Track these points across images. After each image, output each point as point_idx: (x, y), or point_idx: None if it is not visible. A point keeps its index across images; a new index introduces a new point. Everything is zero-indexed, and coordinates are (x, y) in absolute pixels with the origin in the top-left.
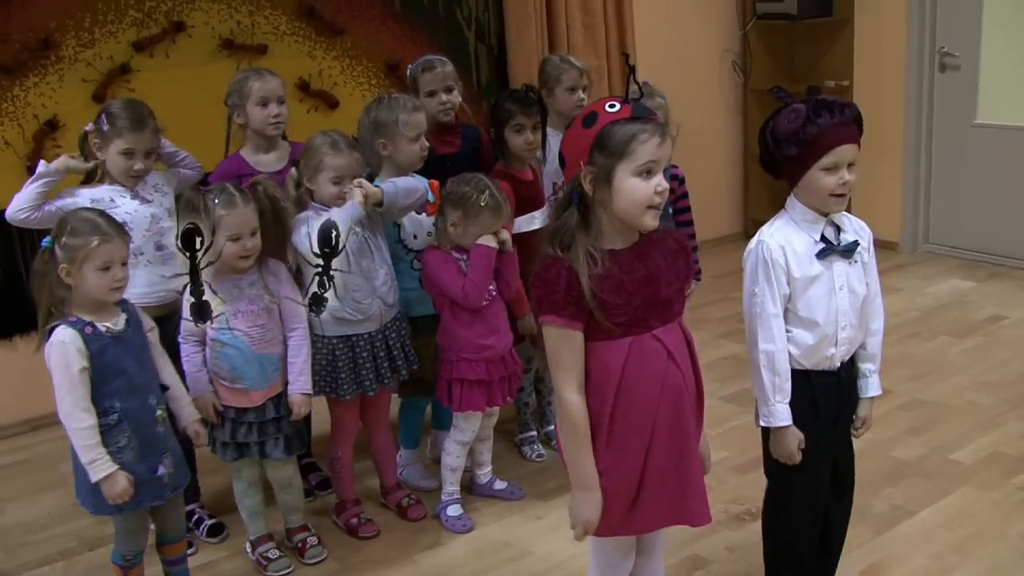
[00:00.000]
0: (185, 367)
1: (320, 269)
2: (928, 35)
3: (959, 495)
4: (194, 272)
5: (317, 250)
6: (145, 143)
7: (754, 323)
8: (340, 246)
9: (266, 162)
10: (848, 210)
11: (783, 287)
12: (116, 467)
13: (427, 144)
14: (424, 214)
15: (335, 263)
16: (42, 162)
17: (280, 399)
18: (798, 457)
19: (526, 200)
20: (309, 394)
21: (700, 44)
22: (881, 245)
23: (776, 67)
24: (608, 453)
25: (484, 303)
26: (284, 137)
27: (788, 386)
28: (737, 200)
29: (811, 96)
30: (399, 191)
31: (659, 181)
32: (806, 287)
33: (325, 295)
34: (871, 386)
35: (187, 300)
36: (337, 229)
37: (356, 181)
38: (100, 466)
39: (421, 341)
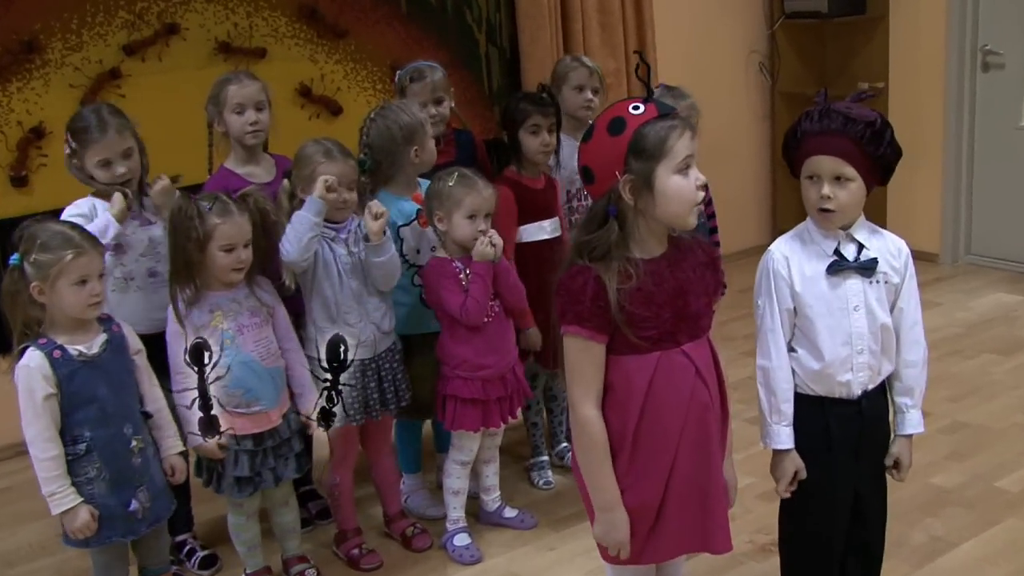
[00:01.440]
0: (183, 409)
1: (328, 383)
2: (970, 32)
3: (1005, 527)
4: (203, 387)
5: (325, 364)
6: (117, 146)
7: (756, 337)
8: (349, 361)
9: (257, 173)
10: (883, 220)
11: (785, 301)
12: (78, 500)
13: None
14: (421, 227)
15: (343, 377)
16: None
17: (289, 416)
18: (785, 488)
19: (536, 209)
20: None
21: (724, 45)
22: (919, 257)
23: (806, 69)
24: (629, 474)
25: (486, 320)
26: (265, 148)
27: (787, 408)
28: (764, 210)
29: (818, 99)
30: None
31: (697, 174)
32: (812, 304)
33: (333, 409)
34: (907, 422)
35: (195, 414)
36: (345, 344)
37: (321, 178)
38: (60, 499)
39: (416, 360)
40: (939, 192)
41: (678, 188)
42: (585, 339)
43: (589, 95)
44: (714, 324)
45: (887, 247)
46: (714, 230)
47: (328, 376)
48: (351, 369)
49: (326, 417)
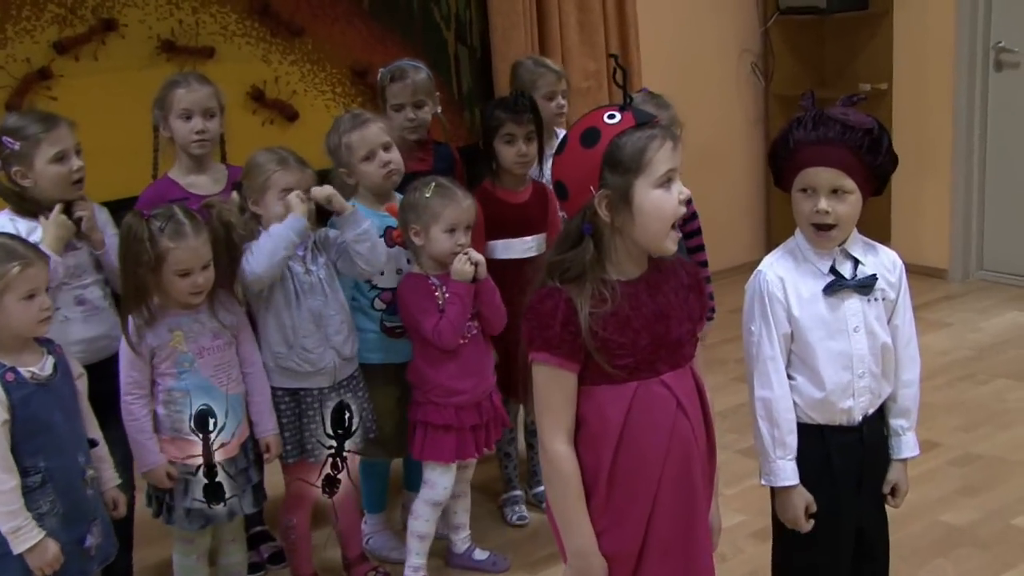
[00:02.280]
0: (134, 434)
1: (333, 451)
2: (982, 28)
3: (1023, 571)
4: (207, 453)
5: (330, 431)
6: (69, 139)
7: (750, 367)
8: (354, 428)
9: (200, 184)
10: (887, 234)
11: (783, 325)
12: (43, 534)
13: (388, 158)
14: (393, 246)
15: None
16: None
17: (247, 444)
18: (804, 523)
19: (511, 224)
20: (278, 433)
21: (714, 44)
22: (927, 273)
23: (802, 69)
24: (604, 517)
25: (462, 342)
26: (223, 159)
27: (791, 440)
28: (758, 223)
29: (805, 102)
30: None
31: (680, 188)
32: (811, 328)
33: (338, 476)
34: (904, 446)
35: (199, 481)
36: (351, 410)
37: (294, 193)
38: (25, 534)
39: (377, 392)
40: (948, 202)
41: (659, 203)
42: (554, 367)
43: (561, 101)
44: (700, 348)
45: (882, 262)
46: (699, 248)
47: (333, 443)
48: (309, 400)
49: (330, 484)
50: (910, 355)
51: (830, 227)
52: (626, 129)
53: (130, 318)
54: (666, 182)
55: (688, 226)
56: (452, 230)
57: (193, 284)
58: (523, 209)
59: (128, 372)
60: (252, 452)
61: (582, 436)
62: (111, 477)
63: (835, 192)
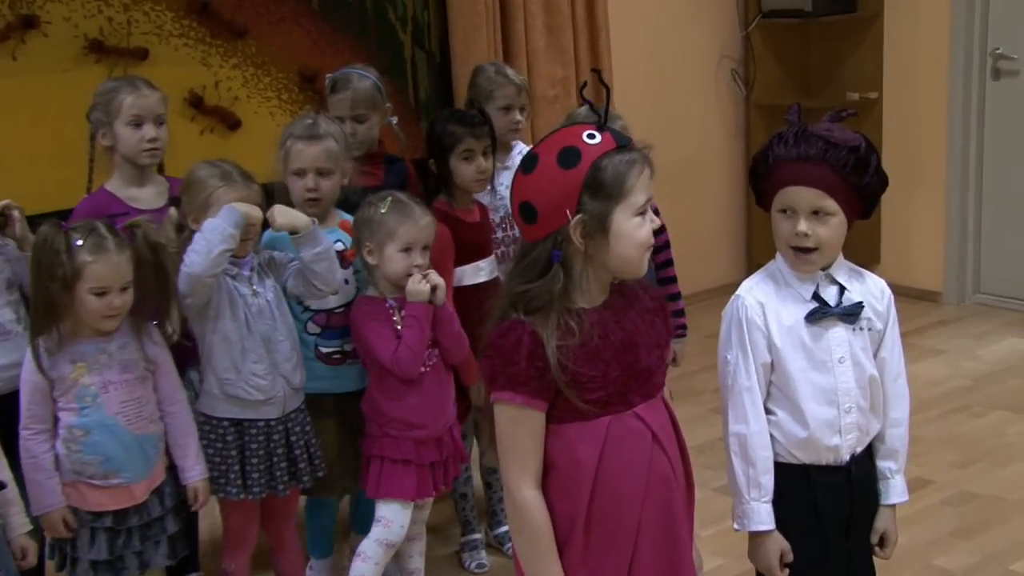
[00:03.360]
0: (30, 472)
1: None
2: (978, 33)
3: None
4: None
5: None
6: None
7: (724, 398)
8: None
9: (143, 198)
10: (876, 255)
11: (762, 354)
12: None
13: (314, 185)
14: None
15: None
16: None
17: (163, 490)
18: (778, 572)
19: (471, 247)
20: (207, 479)
21: (691, 49)
22: (919, 296)
23: (786, 77)
24: (582, 567)
25: (422, 370)
26: (161, 169)
27: (767, 480)
28: (738, 242)
29: (791, 116)
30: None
31: (652, 217)
32: (793, 358)
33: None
34: (892, 490)
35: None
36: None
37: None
38: None
39: (321, 425)
40: (942, 220)
41: (635, 232)
42: (520, 407)
43: (518, 115)
44: (669, 378)
45: (869, 290)
46: (668, 263)
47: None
48: (254, 432)
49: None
50: (898, 391)
51: (810, 250)
52: (608, 151)
53: (39, 341)
54: (643, 213)
55: (661, 254)
56: (408, 249)
57: (108, 305)
58: (479, 229)
59: (28, 404)
60: (171, 498)
61: (553, 481)
62: (20, 523)
63: (816, 213)
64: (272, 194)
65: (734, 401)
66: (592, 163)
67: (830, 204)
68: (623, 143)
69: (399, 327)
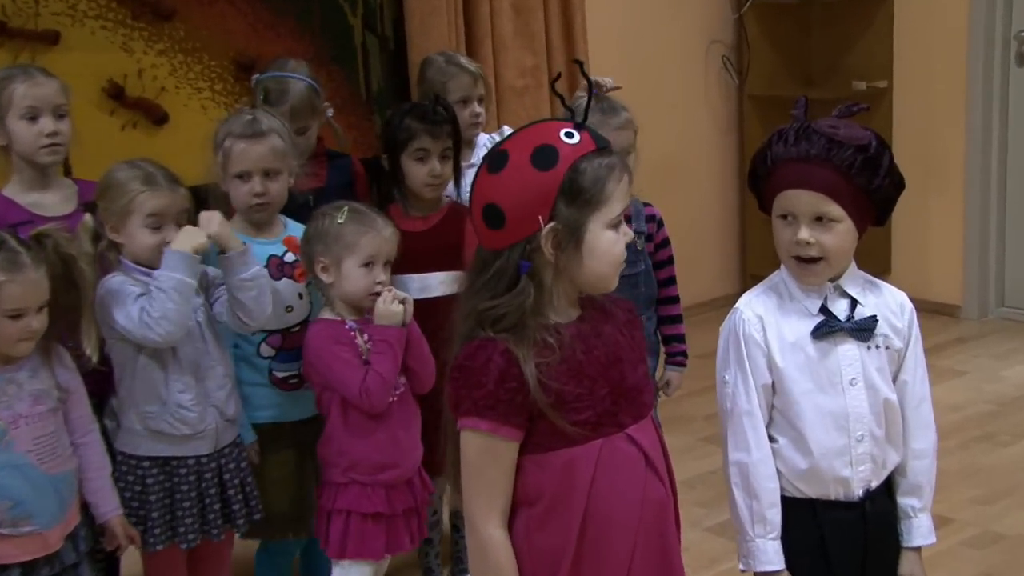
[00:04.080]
0: None
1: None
2: (1000, 14)
3: None
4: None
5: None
6: None
7: (723, 422)
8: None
9: (47, 204)
10: (887, 264)
11: (762, 375)
12: None
13: (263, 190)
14: (280, 278)
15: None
16: None
17: (78, 533)
18: None
19: (426, 256)
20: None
21: (677, 34)
22: (936, 311)
23: (784, 65)
24: None
25: (390, 400)
26: (68, 171)
27: (773, 515)
28: (732, 250)
29: (797, 111)
30: None
31: (626, 229)
32: (797, 379)
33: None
34: (916, 531)
35: None
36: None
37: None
38: None
39: (269, 458)
40: (960, 226)
41: (611, 245)
42: (488, 435)
43: (476, 108)
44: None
45: (887, 303)
46: (674, 300)
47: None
48: (184, 472)
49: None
50: (923, 419)
51: (814, 260)
52: (587, 153)
53: None
54: (617, 224)
55: (660, 253)
56: (369, 264)
57: (25, 328)
58: (435, 237)
59: None
60: (86, 542)
61: (536, 516)
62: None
63: (819, 220)
64: (204, 199)
65: (734, 426)
66: (571, 165)
67: (834, 209)
68: (602, 145)
69: (363, 353)
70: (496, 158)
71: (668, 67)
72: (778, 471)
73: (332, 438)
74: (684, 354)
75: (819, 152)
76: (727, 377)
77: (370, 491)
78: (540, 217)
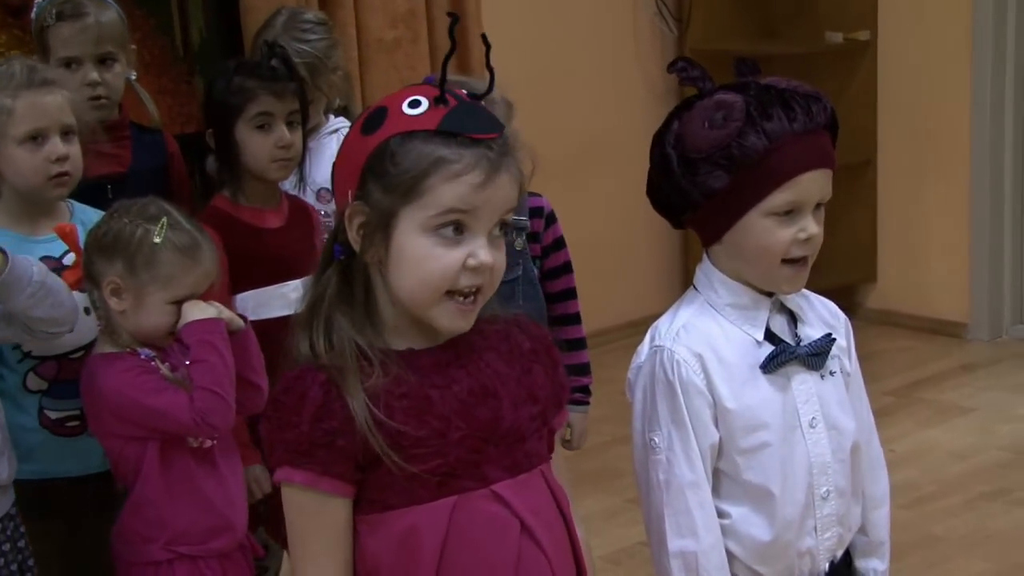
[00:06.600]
0: None
1: None
2: None
3: None
4: None
5: None
6: None
7: (654, 500)
8: None
9: None
10: (870, 272)
11: (709, 433)
12: None
13: (65, 153)
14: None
15: None
16: None
17: None
18: None
19: (270, 263)
20: None
21: None
22: (935, 330)
23: (737, 10)
24: None
25: (211, 442)
26: None
27: None
28: (666, 256)
29: (745, 76)
30: None
31: (474, 249)
32: (752, 427)
33: None
34: None
35: None
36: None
37: None
38: None
39: (47, 527)
40: (966, 221)
41: (420, 255)
42: (305, 488)
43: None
44: (559, 448)
45: (822, 316)
46: (573, 318)
47: None
48: None
49: None
50: (874, 457)
51: (805, 259)
52: (419, 131)
53: None
54: (452, 228)
55: (551, 258)
56: (178, 303)
57: None
58: (281, 238)
59: None
60: None
61: None
62: None
63: (817, 207)
64: None
65: (673, 505)
66: (387, 138)
67: (830, 189)
68: (454, 130)
69: (170, 380)
70: (374, 117)
71: (587, 17)
72: (729, 556)
73: (144, 504)
74: (586, 390)
75: (825, 119)
76: (657, 441)
77: (202, 566)
78: (349, 192)
